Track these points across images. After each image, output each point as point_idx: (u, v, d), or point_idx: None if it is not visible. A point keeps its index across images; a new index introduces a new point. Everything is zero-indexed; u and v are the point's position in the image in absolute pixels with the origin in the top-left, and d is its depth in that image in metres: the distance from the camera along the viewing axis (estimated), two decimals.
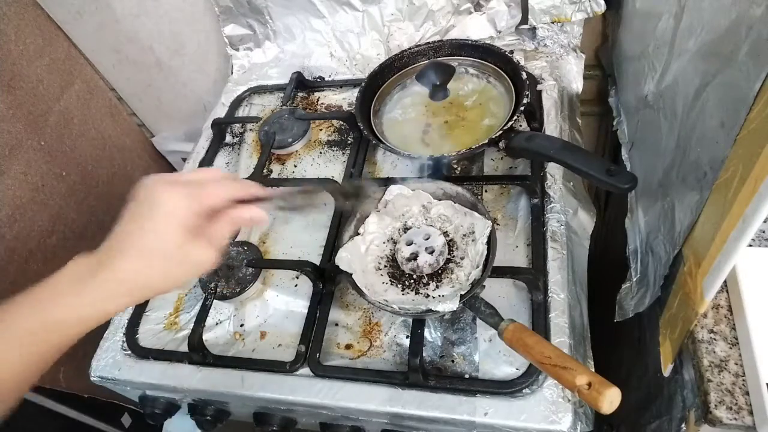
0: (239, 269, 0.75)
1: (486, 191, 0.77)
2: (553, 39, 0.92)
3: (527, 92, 0.74)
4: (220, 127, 0.98)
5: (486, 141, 0.71)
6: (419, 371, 0.60)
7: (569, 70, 0.89)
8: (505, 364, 0.62)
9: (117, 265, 0.43)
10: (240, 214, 0.48)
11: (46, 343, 0.42)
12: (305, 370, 0.66)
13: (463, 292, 0.59)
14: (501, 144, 0.71)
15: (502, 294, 0.67)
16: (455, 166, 0.81)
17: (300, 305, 0.73)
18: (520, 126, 0.81)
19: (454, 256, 0.65)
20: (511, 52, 0.86)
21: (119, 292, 0.43)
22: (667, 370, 0.61)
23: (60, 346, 0.43)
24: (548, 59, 0.91)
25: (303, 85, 1.01)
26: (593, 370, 0.59)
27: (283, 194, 0.54)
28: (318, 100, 1.00)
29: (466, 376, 0.62)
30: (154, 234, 0.43)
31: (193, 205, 0.45)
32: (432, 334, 0.66)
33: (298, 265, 0.72)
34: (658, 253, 0.62)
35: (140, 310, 0.78)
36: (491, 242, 0.63)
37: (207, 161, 0.95)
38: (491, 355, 0.63)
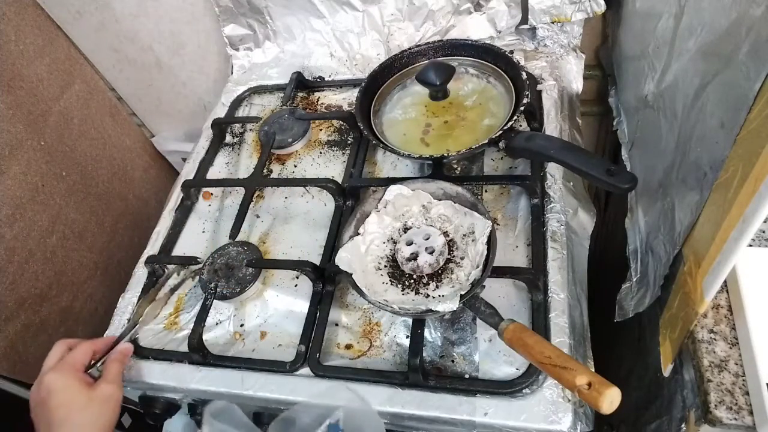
0: (239, 269, 0.75)
1: (486, 191, 0.77)
2: (553, 39, 0.92)
3: (527, 92, 0.74)
4: (220, 127, 0.98)
5: (486, 141, 0.71)
6: (419, 371, 0.60)
7: (569, 70, 0.89)
8: (505, 364, 0.62)
9: None
10: (112, 356, 0.67)
11: None
12: (305, 370, 0.66)
13: (463, 292, 0.59)
14: (501, 144, 0.71)
15: (502, 294, 0.67)
16: (455, 166, 0.81)
17: (300, 305, 0.73)
18: (520, 126, 0.81)
19: (454, 256, 0.65)
20: (511, 52, 0.86)
21: None
22: (667, 370, 0.61)
23: None
24: (548, 59, 0.91)
25: (303, 85, 1.01)
26: (593, 370, 0.59)
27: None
28: (318, 100, 1.00)
29: (466, 376, 0.62)
30: (65, 409, 0.57)
31: (71, 371, 0.61)
32: (432, 334, 0.66)
33: (298, 265, 0.72)
34: (658, 253, 0.62)
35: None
36: (491, 242, 0.63)
37: (207, 161, 0.95)
38: (491, 355, 0.63)
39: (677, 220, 0.56)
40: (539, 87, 0.86)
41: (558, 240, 0.69)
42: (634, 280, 0.69)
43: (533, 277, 0.64)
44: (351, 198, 0.80)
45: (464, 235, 0.66)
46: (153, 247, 0.85)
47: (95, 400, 0.58)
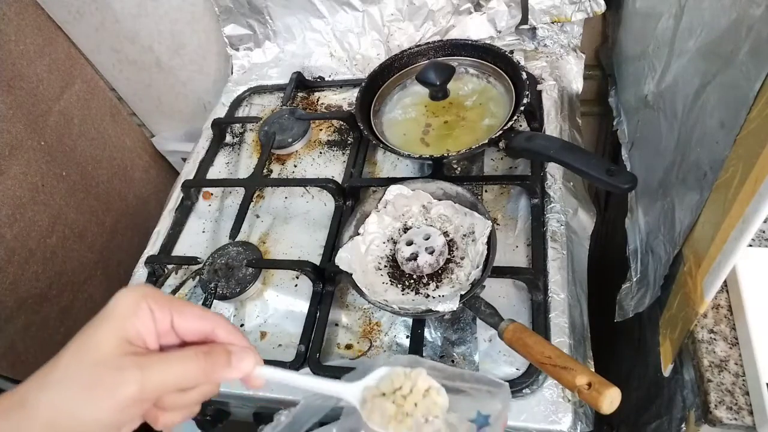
0: (239, 269, 0.75)
1: (486, 191, 0.77)
2: (553, 39, 0.92)
3: (527, 92, 0.74)
4: (220, 127, 0.98)
5: (486, 141, 0.71)
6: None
7: (569, 70, 0.89)
8: (505, 364, 0.62)
9: (24, 388, 0.34)
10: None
11: None
12: (305, 370, 0.66)
13: (463, 292, 0.59)
14: (501, 144, 0.71)
15: (502, 294, 0.67)
16: (455, 166, 0.81)
17: (300, 305, 0.73)
18: (520, 126, 0.81)
19: (454, 256, 0.65)
20: (511, 52, 0.86)
21: (25, 425, 0.33)
22: (667, 370, 0.61)
23: None
24: (548, 59, 0.91)
25: (303, 85, 1.01)
26: (593, 370, 0.59)
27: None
28: (318, 100, 1.00)
29: None
30: (82, 345, 0.34)
31: (157, 319, 0.36)
32: (432, 334, 0.66)
33: (298, 265, 0.72)
34: (658, 253, 0.62)
35: None
36: (491, 242, 0.63)
37: (207, 161, 0.95)
38: (491, 355, 0.63)
39: (677, 220, 0.56)
40: (539, 87, 0.86)
41: (558, 240, 0.69)
42: (634, 280, 0.69)
43: (533, 277, 0.64)
44: (351, 198, 0.80)
45: (464, 235, 0.66)
46: (153, 247, 0.85)
47: (110, 377, 0.33)
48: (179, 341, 0.38)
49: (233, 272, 0.75)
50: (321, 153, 0.91)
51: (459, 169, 0.81)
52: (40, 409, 0.33)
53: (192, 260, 0.79)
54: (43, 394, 0.33)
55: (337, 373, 0.64)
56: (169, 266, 0.81)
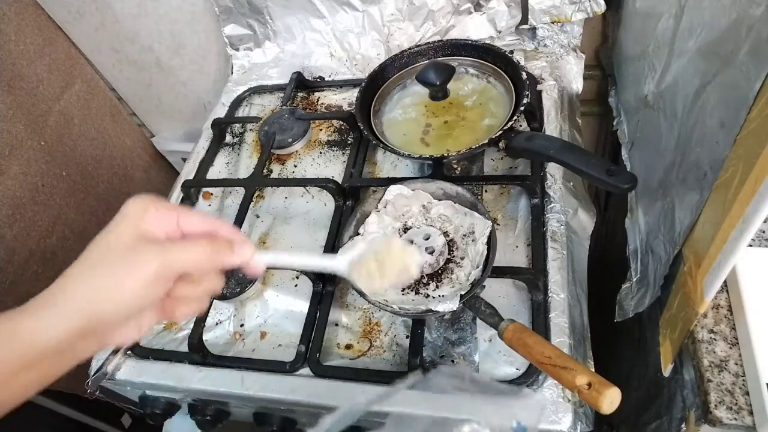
0: (239, 269, 0.75)
1: (486, 191, 0.77)
2: (553, 39, 0.92)
3: (527, 92, 0.74)
4: (220, 127, 0.98)
5: (486, 141, 0.71)
6: (419, 371, 0.60)
7: (569, 70, 0.89)
8: (505, 364, 0.62)
9: (59, 281, 0.38)
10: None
11: None
12: (305, 370, 0.66)
13: (463, 292, 0.59)
14: (501, 144, 0.71)
15: (502, 294, 0.67)
16: (455, 166, 0.81)
17: (300, 305, 0.73)
18: (520, 126, 0.81)
19: (454, 256, 0.65)
20: (511, 52, 0.86)
21: (62, 309, 0.37)
22: (667, 370, 0.61)
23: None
24: (548, 59, 0.91)
25: (303, 85, 1.01)
26: (593, 370, 0.59)
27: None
28: (318, 100, 1.00)
29: None
30: (103, 240, 0.40)
31: (164, 217, 0.41)
32: (432, 334, 0.66)
33: None
34: (658, 253, 0.62)
35: None
36: (491, 242, 0.63)
37: (207, 161, 0.95)
38: (491, 355, 0.63)
39: (677, 220, 0.56)
40: (539, 87, 0.86)
41: (558, 240, 0.69)
42: (634, 280, 0.69)
43: (533, 277, 0.64)
44: (351, 198, 0.80)
45: (464, 235, 0.66)
46: None
47: (129, 258, 0.38)
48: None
49: (233, 272, 0.75)
50: (321, 153, 0.91)
51: (459, 169, 0.81)
52: (76, 292, 0.37)
53: None
54: (78, 280, 0.38)
55: (337, 373, 0.65)
56: None
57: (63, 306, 0.37)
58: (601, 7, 0.86)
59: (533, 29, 0.91)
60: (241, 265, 0.44)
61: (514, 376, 0.60)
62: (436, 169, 0.76)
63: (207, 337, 0.72)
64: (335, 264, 0.48)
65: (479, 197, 0.73)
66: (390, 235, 0.54)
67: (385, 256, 0.48)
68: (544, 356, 0.50)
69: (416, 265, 0.49)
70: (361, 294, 0.62)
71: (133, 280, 0.38)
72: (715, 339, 0.55)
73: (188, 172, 0.94)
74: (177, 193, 0.91)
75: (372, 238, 0.54)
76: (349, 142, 0.90)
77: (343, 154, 0.89)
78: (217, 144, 0.98)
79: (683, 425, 0.58)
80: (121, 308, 0.38)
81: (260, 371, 0.67)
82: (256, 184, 0.85)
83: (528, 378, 0.59)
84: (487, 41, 0.89)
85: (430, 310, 0.59)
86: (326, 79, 1.02)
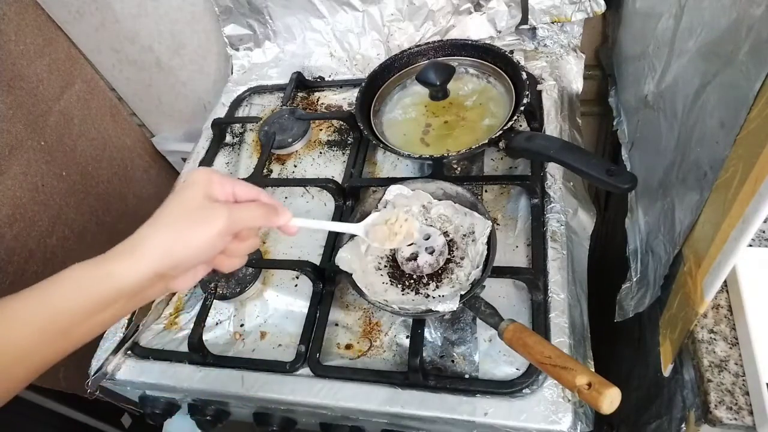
0: (239, 269, 0.75)
1: (486, 191, 0.77)
2: (553, 39, 0.92)
3: (527, 92, 0.74)
4: (220, 127, 0.98)
5: (486, 141, 0.71)
6: (419, 371, 0.60)
7: (569, 70, 0.89)
8: (505, 364, 0.62)
9: (138, 232, 0.45)
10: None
11: (65, 315, 0.42)
12: (305, 370, 0.66)
13: (463, 292, 0.59)
14: (501, 144, 0.71)
15: (502, 294, 0.67)
16: (455, 166, 0.81)
17: (300, 305, 0.73)
18: (520, 126, 0.81)
19: (454, 256, 0.65)
20: (511, 52, 0.86)
21: (142, 254, 0.43)
22: (667, 370, 0.61)
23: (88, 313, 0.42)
24: (548, 59, 0.91)
25: (303, 85, 1.01)
26: (593, 370, 0.59)
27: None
28: (318, 100, 1.00)
29: (466, 376, 0.62)
30: (177, 200, 0.46)
31: (225, 185, 0.47)
32: (432, 334, 0.66)
33: (298, 265, 0.72)
34: (658, 253, 0.62)
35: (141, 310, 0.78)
36: (491, 242, 0.63)
37: (207, 161, 0.95)
38: (491, 355, 0.63)
39: (677, 220, 0.56)
40: (539, 87, 0.86)
41: (558, 240, 0.69)
42: (634, 280, 0.69)
43: (533, 277, 0.64)
44: (351, 198, 0.80)
45: (464, 235, 0.66)
46: None
47: (199, 215, 0.45)
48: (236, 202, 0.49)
49: (233, 272, 0.74)
50: (321, 153, 0.91)
51: (459, 169, 0.81)
52: (157, 241, 0.44)
53: None
54: (158, 233, 0.44)
55: (337, 373, 0.65)
56: None
57: (144, 252, 0.43)
58: (601, 7, 0.86)
59: (533, 29, 0.91)
60: (282, 226, 0.51)
61: (514, 376, 0.60)
62: (436, 169, 0.76)
63: (207, 337, 0.72)
64: (355, 228, 0.59)
65: (479, 197, 0.73)
66: (399, 208, 0.65)
67: (394, 223, 0.59)
68: (544, 356, 0.50)
69: (417, 231, 0.60)
70: (361, 294, 0.62)
71: (207, 231, 0.44)
72: (715, 339, 0.55)
73: (188, 172, 0.94)
74: None
75: (383, 210, 0.65)
76: (349, 142, 0.90)
77: (343, 154, 0.89)
78: (217, 144, 0.98)
79: (683, 425, 0.58)
80: (194, 255, 0.44)
81: (260, 371, 0.67)
82: (256, 184, 0.85)
83: (528, 378, 0.59)
84: (487, 41, 0.89)
85: (430, 310, 0.59)
86: (326, 79, 1.02)
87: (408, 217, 0.60)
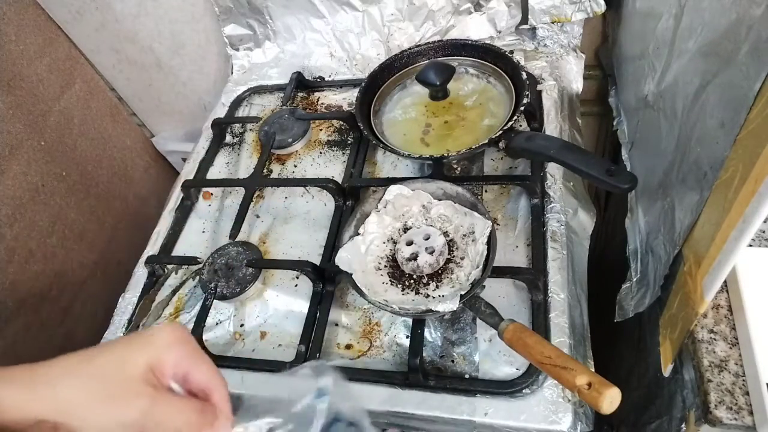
0: (239, 269, 0.75)
1: (486, 191, 0.77)
2: (553, 39, 0.92)
3: (527, 92, 0.74)
4: (220, 127, 0.98)
5: (486, 141, 0.71)
6: (419, 371, 0.60)
7: (569, 70, 0.89)
8: (505, 364, 0.62)
9: (51, 366, 0.38)
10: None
11: None
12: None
13: (463, 292, 0.59)
14: (501, 144, 0.71)
15: (502, 294, 0.67)
16: (455, 166, 0.81)
17: (300, 305, 0.73)
18: (520, 126, 0.81)
19: (454, 256, 0.65)
20: (511, 52, 0.86)
21: (41, 396, 0.36)
22: (667, 370, 0.61)
23: None
24: (548, 59, 0.91)
25: (303, 85, 1.01)
26: (593, 370, 0.59)
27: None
28: (318, 100, 1.00)
29: (466, 376, 0.62)
30: (114, 353, 0.39)
31: (183, 362, 0.40)
32: (432, 334, 0.66)
33: (298, 265, 0.72)
34: (658, 253, 0.62)
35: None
36: (491, 242, 0.63)
37: (207, 161, 0.95)
38: (491, 355, 0.63)
39: (677, 220, 0.56)
40: (539, 87, 0.86)
41: (558, 240, 0.69)
42: (634, 280, 0.69)
43: (533, 277, 0.64)
44: (351, 198, 0.80)
45: (464, 235, 0.66)
46: (153, 247, 0.85)
47: (124, 391, 0.38)
48: (183, 385, 0.42)
49: (233, 272, 0.75)
50: (321, 153, 0.91)
51: (459, 169, 0.81)
52: (59, 393, 0.36)
53: (192, 260, 0.79)
54: (68, 381, 0.37)
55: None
56: (169, 266, 0.81)
57: (43, 394, 0.36)
58: (601, 7, 0.86)
59: (533, 29, 0.91)
60: None
61: (514, 376, 0.60)
62: (436, 169, 0.76)
63: (207, 337, 0.72)
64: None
65: (479, 197, 0.73)
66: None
67: None
68: (544, 356, 0.50)
69: None
70: (361, 294, 0.63)
71: (110, 417, 0.37)
72: (715, 339, 0.55)
73: (188, 172, 0.94)
74: (177, 193, 0.91)
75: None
76: (349, 142, 0.90)
77: (343, 154, 0.89)
78: (217, 144, 0.98)
79: (683, 425, 0.58)
80: (88, 429, 0.37)
81: (260, 371, 0.67)
82: (256, 184, 0.85)
83: (528, 378, 0.59)
84: (487, 41, 0.89)
85: (430, 310, 0.59)
86: (326, 79, 1.02)
87: None
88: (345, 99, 0.98)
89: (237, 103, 1.03)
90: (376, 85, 0.87)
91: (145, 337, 0.40)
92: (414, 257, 0.65)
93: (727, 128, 0.44)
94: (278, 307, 0.74)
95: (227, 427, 0.42)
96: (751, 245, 0.58)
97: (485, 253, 0.62)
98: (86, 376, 0.37)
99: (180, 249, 0.85)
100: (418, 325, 0.64)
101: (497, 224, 0.73)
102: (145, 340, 0.39)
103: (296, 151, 0.92)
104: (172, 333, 0.40)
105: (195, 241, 0.85)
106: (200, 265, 0.77)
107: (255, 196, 0.85)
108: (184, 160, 1.02)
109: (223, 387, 0.42)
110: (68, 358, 0.38)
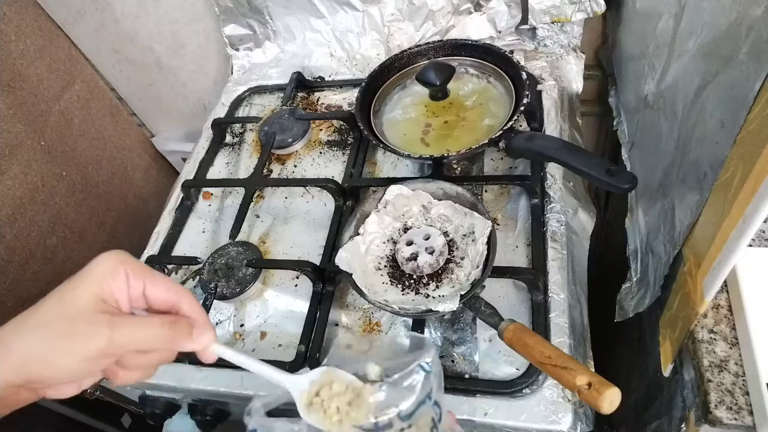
0: (239, 269, 0.75)
1: (486, 191, 0.77)
2: (553, 39, 0.92)
3: (527, 92, 0.74)
4: (220, 127, 0.98)
5: (486, 141, 0.71)
6: None
7: (569, 70, 0.89)
8: (505, 364, 0.62)
9: (4, 332, 0.36)
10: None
11: None
12: (305, 370, 0.66)
13: (463, 292, 0.59)
14: (501, 144, 0.71)
15: (502, 294, 0.67)
16: (455, 166, 0.81)
17: (300, 305, 0.73)
18: (520, 126, 0.81)
19: (454, 256, 0.65)
20: (511, 52, 0.86)
21: (2, 364, 0.35)
22: (667, 370, 0.61)
23: None
24: (548, 59, 0.91)
25: (303, 85, 1.01)
26: (593, 370, 0.59)
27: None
28: (318, 100, 1.00)
29: (466, 376, 0.62)
30: (57, 298, 0.37)
31: (132, 282, 0.38)
32: (432, 334, 0.66)
33: (298, 265, 0.72)
34: (658, 253, 0.62)
35: None
36: (491, 242, 0.63)
37: (207, 161, 0.95)
38: (491, 355, 0.63)
39: (677, 220, 0.56)
40: (539, 87, 0.86)
41: (558, 240, 0.69)
42: (634, 280, 0.69)
43: (533, 277, 0.64)
44: (351, 198, 0.80)
45: (464, 235, 0.66)
46: (153, 247, 0.85)
47: (80, 329, 0.36)
48: (147, 308, 0.41)
49: (233, 272, 0.75)
50: (321, 153, 0.91)
51: (459, 169, 0.81)
52: (14, 350, 0.35)
53: (192, 260, 0.79)
54: (19, 337, 0.36)
55: None
56: (169, 266, 0.81)
57: (2, 355, 0.35)
58: (601, 7, 0.86)
59: (533, 29, 0.91)
60: (198, 351, 0.41)
61: (514, 376, 0.60)
62: (436, 169, 0.76)
63: None
64: (288, 383, 0.47)
65: (479, 197, 0.73)
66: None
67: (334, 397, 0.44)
68: (544, 356, 0.50)
69: (377, 408, 0.43)
70: (361, 294, 0.62)
71: (77, 351, 0.36)
72: (715, 339, 0.55)
73: (188, 172, 0.94)
74: (177, 193, 0.91)
75: (338, 373, 0.47)
76: (349, 142, 0.90)
77: (343, 154, 0.89)
78: (217, 144, 0.98)
79: (683, 425, 0.58)
80: (58, 376, 0.37)
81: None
82: (256, 184, 0.85)
83: (528, 378, 0.59)
84: (487, 41, 0.89)
85: (430, 310, 0.59)
86: (326, 79, 1.02)
87: (342, 418, 0.44)
88: (345, 99, 0.98)
89: (237, 103, 1.03)
90: (376, 85, 0.87)
91: (83, 271, 0.38)
92: (414, 257, 0.65)
93: (727, 128, 0.44)
94: (278, 307, 0.74)
95: (209, 334, 0.41)
96: (751, 245, 0.58)
97: (485, 253, 0.62)
98: (35, 326, 0.36)
99: (180, 249, 0.85)
100: (418, 325, 0.64)
101: (497, 224, 0.73)
102: (84, 275, 0.38)
103: (296, 151, 0.92)
104: (108, 258, 0.38)
105: (195, 241, 0.85)
106: (200, 265, 0.77)
107: (255, 196, 0.85)
108: (184, 160, 1.02)
109: (188, 295, 0.41)
110: (15, 318, 0.37)
